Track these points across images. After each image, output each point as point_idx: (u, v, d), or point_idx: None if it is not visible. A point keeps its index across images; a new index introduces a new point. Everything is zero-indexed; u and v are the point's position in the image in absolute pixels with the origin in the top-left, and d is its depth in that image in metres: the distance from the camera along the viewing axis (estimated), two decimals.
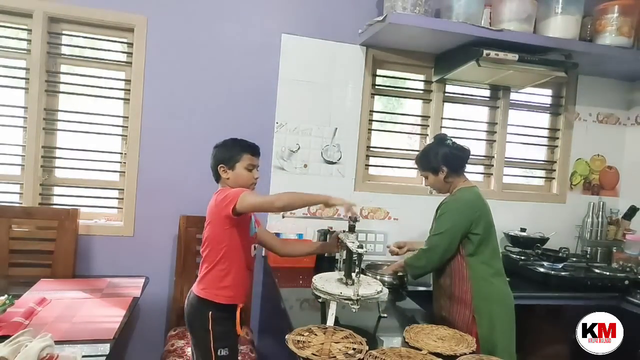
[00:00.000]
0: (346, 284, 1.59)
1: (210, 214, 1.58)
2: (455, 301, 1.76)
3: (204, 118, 2.34)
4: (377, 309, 1.65)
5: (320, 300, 1.55)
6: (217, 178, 1.65)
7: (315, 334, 1.34)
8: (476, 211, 1.73)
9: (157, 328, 2.32)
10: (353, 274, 1.55)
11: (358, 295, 1.44)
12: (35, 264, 2.07)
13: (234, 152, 1.60)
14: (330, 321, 1.45)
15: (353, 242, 1.51)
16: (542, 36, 2.35)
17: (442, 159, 1.80)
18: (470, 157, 1.88)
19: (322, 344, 1.27)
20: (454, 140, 1.85)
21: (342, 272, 1.67)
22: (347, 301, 1.46)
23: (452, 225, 1.73)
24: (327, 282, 1.59)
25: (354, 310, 1.45)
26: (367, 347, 1.27)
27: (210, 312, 1.55)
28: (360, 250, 1.47)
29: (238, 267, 1.58)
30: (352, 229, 1.58)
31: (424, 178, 1.94)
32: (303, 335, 1.32)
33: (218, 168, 1.61)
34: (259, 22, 2.39)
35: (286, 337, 1.29)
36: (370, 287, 1.60)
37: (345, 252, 1.63)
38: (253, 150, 1.63)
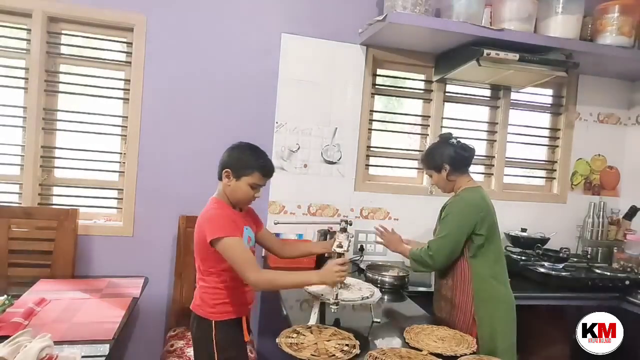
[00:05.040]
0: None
1: (196, 225, 1.48)
2: (456, 303, 1.76)
3: (204, 117, 2.33)
4: (376, 311, 1.64)
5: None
6: (220, 177, 1.55)
7: (304, 334, 1.33)
8: (480, 212, 1.72)
9: (157, 328, 2.31)
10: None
11: (336, 298, 1.41)
12: (34, 264, 2.06)
13: (246, 164, 1.47)
14: (313, 320, 1.45)
15: (339, 242, 1.50)
16: (542, 36, 2.35)
17: (444, 158, 1.80)
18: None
19: (316, 343, 1.27)
20: (459, 139, 1.84)
21: None
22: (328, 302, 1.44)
23: (456, 227, 1.72)
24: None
25: (333, 310, 1.42)
26: (357, 342, 1.29)
27: (213, 327, 1.47)
28: (339, 250, 1.46)
29: (234, 284, 1.49)
30: (343, 230, 1.56)
31: (428, 176, 1.95)
32: (292, 337, 1.31)
33: (223, 171, 1.49)
34: (259, 21, 2.38)
35: (277, 340, 1.27)
36: (360, 291, 1.59)
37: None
38: (266, 172, 1.51)
